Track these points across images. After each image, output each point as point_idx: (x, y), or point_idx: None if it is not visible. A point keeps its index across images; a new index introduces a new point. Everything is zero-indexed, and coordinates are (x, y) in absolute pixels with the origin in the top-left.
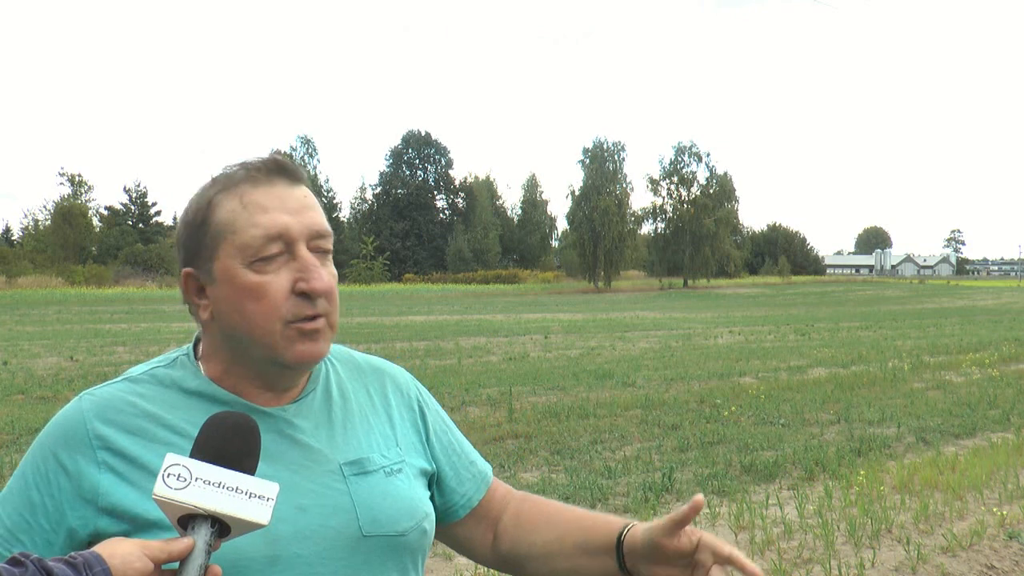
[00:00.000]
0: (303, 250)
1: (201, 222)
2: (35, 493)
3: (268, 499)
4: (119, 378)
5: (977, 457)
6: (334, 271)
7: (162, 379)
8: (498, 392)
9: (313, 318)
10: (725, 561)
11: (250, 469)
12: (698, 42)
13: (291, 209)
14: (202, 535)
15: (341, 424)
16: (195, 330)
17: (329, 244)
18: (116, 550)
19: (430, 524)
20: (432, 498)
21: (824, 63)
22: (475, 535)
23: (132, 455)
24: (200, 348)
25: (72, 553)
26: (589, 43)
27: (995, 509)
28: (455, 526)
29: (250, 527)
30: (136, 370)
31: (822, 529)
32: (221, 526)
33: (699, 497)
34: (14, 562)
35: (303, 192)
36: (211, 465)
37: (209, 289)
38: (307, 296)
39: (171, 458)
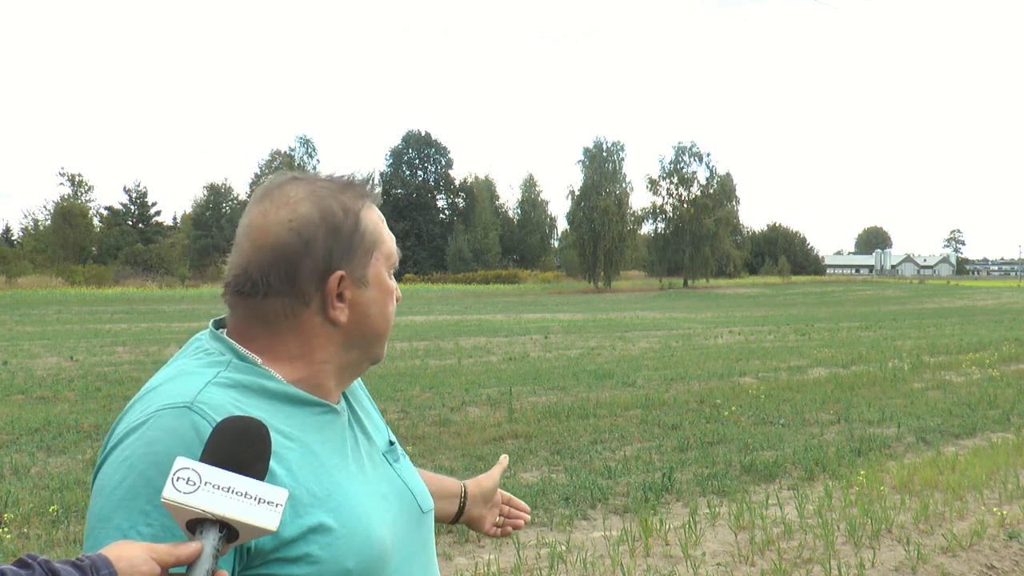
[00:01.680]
0: None
1: (353, 228)
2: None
3: (277, 505)
4: (201, 383)
5: (977, 457)
6: None
7: (247, 384)
8: (498, 392)
9: None
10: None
11: (260, 474)
12: (698, 42)
13: None
14: (210, 540)
15: (366, 414)
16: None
17: None
18: (123, 553)
19: None
20: None
21: (824, 63)
22: None
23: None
24: (244, 351)
25: (80, 555)
26: (589, 43)
27: (995, 509)
28: None
29: (258, 533)
30: (195, 378)
31: (822, 529)
32: (229, 531)
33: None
34: (21, 563)
35: None
36: (221, 470)
37: (355, 292)
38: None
39: (180, 461)
